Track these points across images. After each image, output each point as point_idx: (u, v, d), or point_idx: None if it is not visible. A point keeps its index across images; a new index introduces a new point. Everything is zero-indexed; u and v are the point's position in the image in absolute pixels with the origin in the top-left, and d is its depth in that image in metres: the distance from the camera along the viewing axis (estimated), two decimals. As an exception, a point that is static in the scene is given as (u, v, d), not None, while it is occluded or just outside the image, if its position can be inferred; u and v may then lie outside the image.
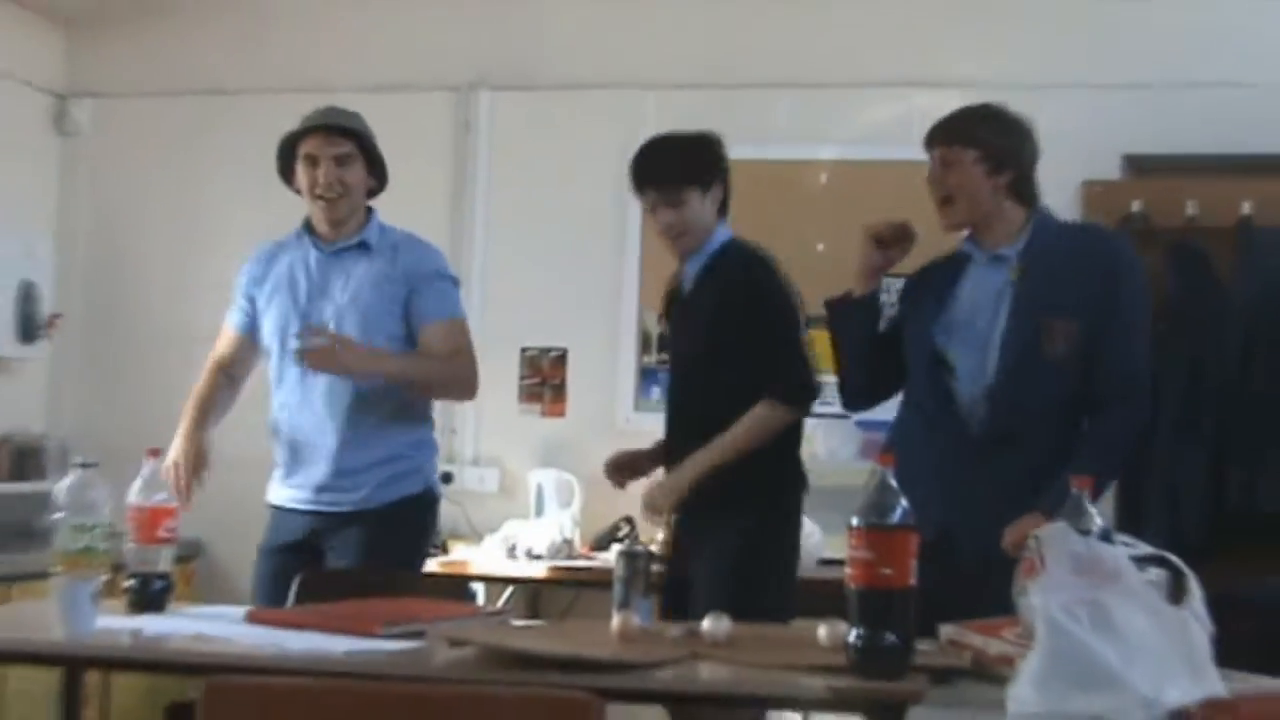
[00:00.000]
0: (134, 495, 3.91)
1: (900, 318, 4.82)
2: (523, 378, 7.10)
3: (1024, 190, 4.64)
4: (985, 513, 4.33)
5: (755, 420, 4.75)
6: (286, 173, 5.00)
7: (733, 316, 4.82)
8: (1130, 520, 5.72)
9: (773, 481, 4.86)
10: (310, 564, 4.78)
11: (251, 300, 5.05)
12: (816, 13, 7.04)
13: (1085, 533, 3.08)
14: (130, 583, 3.91)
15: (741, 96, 7.02)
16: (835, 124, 7.01)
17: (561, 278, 7.04)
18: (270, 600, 4.66)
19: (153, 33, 7.63)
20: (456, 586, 5.05)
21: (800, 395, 4.83)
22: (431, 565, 6.43)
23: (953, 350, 4.59)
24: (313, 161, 4.90)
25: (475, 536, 6.88)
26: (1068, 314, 4.44)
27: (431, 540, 5.42)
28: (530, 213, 7.23)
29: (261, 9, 7.51)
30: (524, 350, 7.11)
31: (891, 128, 6.92)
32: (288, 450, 4.98)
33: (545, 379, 7.09)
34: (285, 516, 4.98)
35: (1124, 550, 3.00)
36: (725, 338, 4.82)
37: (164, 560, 3.94)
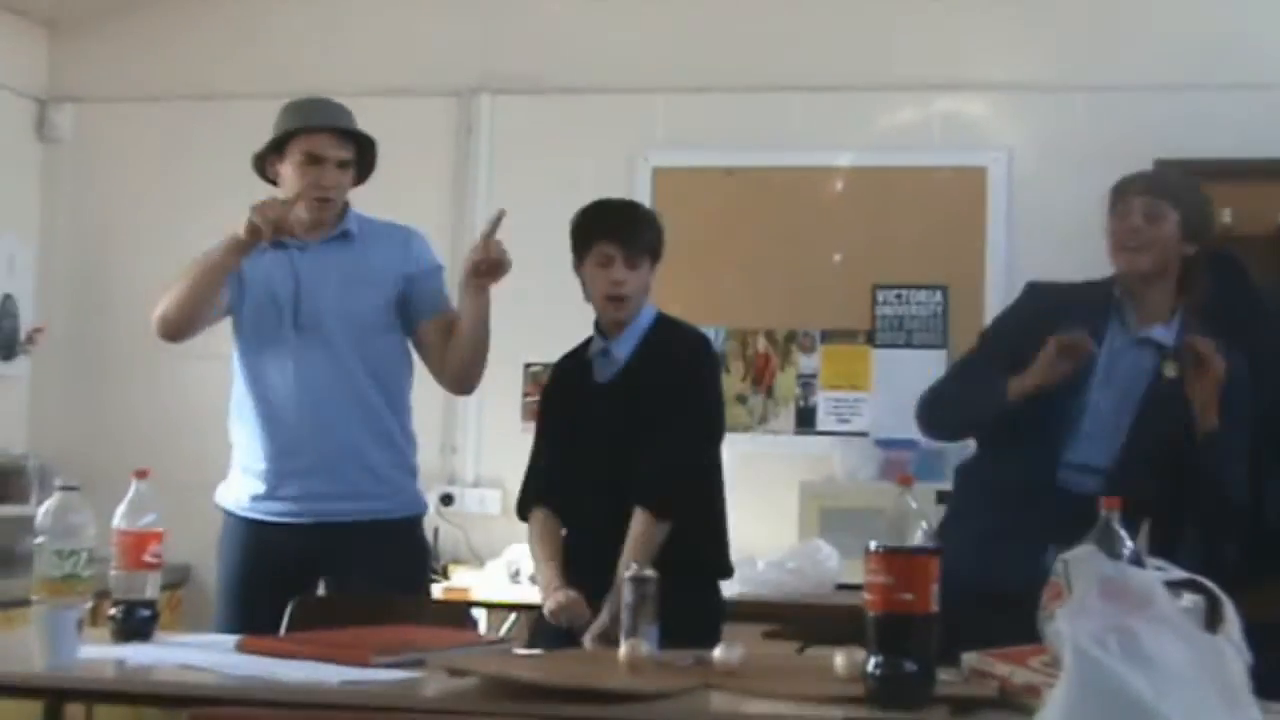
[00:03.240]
0: (119, 519, 3.91)
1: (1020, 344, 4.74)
2: (526, 395, 7.09)
3: (1192, 271, 4.72)
4: None
5: (645, 542, 4.60)
6: (264, 161, 4.98)
7: (673, 397, 4.73)
8: (1163, 543, 5.70)
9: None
10: (298, 585, 4.74)
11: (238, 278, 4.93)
12: (830, 13, 7.05)
13: (1115, 556, 3.08)
14: (115, 610, 3.91)
15: (752, 100, 7.03)
16: (852, 128, 7.01)
17: (566, 290, 6.96)
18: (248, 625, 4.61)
19: (137, 36, 7.65)
20: (457, 613, 5.04)
21: (666, 509, 4.67)
22: (433, 590, 6.44)
23: (1086, 418, 4.64)
24: (316, 160, 4.89)
25: (477, 561, 6.88)
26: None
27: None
28: (533, 221, 7.19)
29: (251, 11, 7.53)
30: (527, 366, 7.11)
31: (911, 132, 6.95)
32: (274, 454, 4.90)
33: (549, 396, 7.10)
34: (267, 530, 4.92)
35: (1156, 575, 3.00)
36: (665, 415, 4.71)
37: (150, 586, 3.93)
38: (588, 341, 4.92)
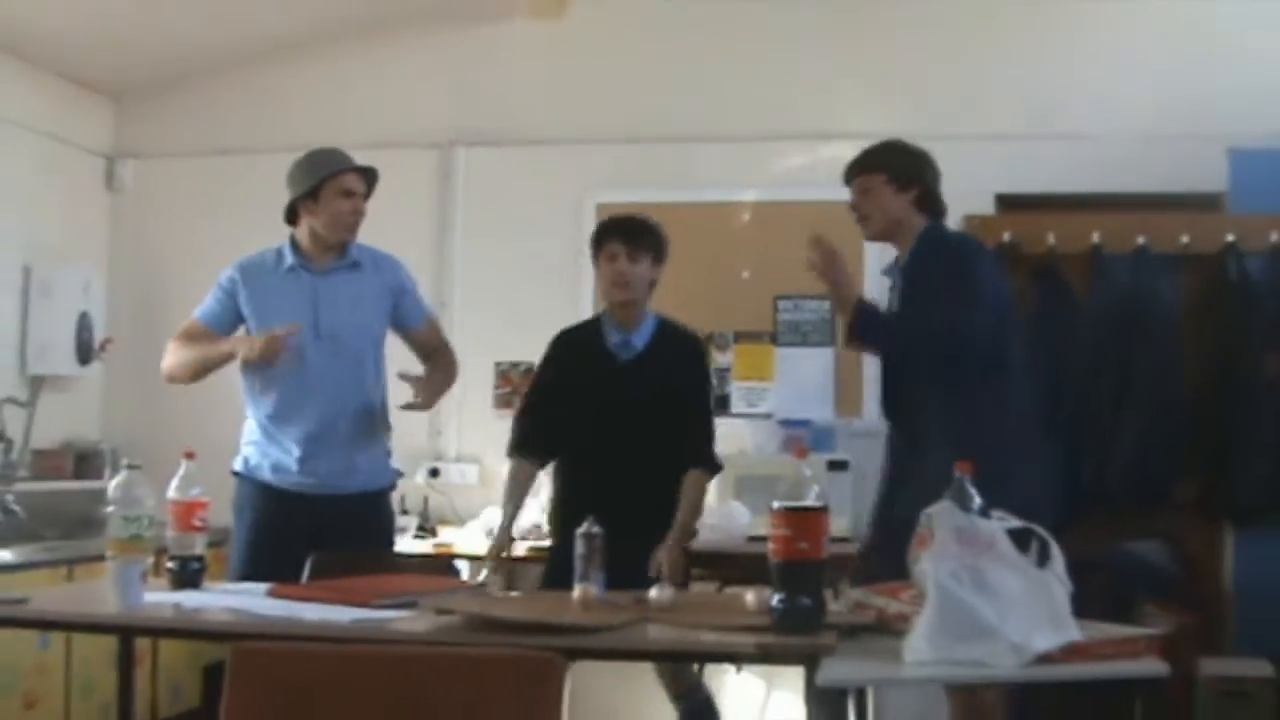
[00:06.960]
0: (173, 491, 3.90)
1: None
2: (496, 387, 7.09)
3: (932, 204, 4.74)
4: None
5: (701, 490, 4.93)
6: (301, 200, 4.93)
7: (686, 382, 4.96)
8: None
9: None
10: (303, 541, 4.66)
11: (234, 300, 4.96)
12: (737, 81, 7.05)
13: (967, 511, 3.09)
14: (171, 564, 3.91)
15: (677, 149, 7.03)
16: (755, 171, 7.01)
17: (526, 303, 7.01)
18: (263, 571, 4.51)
19: (183, 104, 7.60)
20: (443, 564, 5.02)
21: (717, 468, 5.02)
22: (423, 546, 6.44)
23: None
24: (349, 195, 4.92)
25: (459, 521, 6.86)
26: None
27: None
28: (500, 249, 7.22)
29: (269, 82, 7.48)
30: (497, 364, 7.09)
31: (801, 173, 6.95)
32: (297, 440, 4.86)
33: (515, 388, 7.06)
34: (287, 499, 4.87)
35: (998, 524, 3.02)
36: (676, 398, 4.90)
37: (199, 545, 3.92)
38: (585, 325, 5.11)
